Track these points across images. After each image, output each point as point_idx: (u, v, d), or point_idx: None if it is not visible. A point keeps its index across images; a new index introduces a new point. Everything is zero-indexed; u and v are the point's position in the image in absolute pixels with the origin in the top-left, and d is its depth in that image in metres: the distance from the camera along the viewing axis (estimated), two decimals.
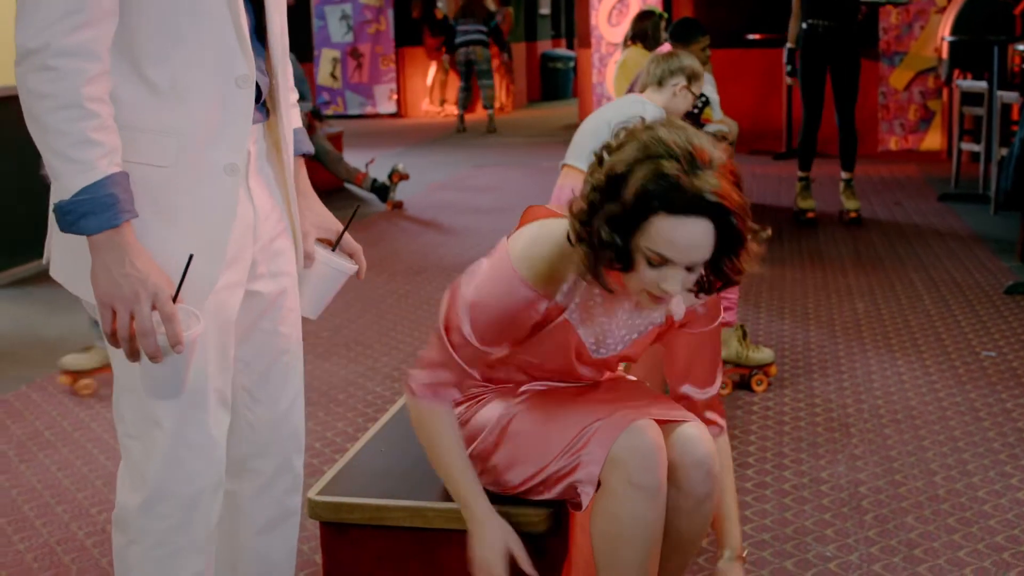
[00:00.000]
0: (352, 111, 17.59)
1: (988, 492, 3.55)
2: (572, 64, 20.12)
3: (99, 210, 1.80)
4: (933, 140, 11.45)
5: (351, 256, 2.33)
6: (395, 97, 17.71)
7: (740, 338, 4.51)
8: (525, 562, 2.24)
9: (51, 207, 1.86)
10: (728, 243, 2.08)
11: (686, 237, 2.03)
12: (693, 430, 2.31)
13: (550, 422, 2.31)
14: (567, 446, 2.25)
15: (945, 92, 10.99)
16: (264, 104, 2.12)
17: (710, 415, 2.46)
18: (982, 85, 8.71)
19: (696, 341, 2.43)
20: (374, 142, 13.77)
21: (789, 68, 8.09)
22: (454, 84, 16.72)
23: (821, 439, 4.03)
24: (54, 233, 1.98)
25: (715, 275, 2.17)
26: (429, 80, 17.76)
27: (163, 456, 2.01)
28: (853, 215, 7.99)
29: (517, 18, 19.62)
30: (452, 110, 17.26)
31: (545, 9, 22.06)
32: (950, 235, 7.52)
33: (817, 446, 3.97)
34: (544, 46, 21.56)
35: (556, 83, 20.70)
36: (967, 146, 9.17)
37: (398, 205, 9.33)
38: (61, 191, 1.81)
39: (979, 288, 6.08)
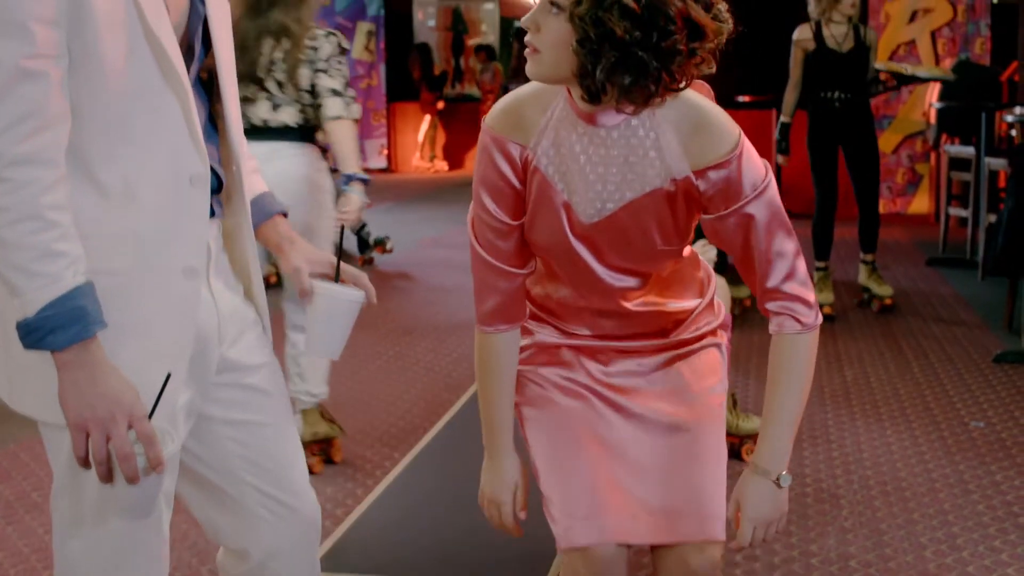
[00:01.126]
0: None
1: (978, 568, 3.55)
2: None
3: (68, 323, 1.72)
4: (921, 203, 11.52)
5: (355, 284, 2.20)
6: (385, 152, 17.76)
7: (730, 407, 4.52)
8: (520, 505, 2.37)
9: (13, 326, 1.76)
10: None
11: None
12: (688, 561, 2.26)
13: (553, 464, 2.31)
14: (550, 497, 2.28)
15: (933, 156, 11.08)
16: (221, 198, 2.06)
17: (781, 306, 2.18)
18: (970, 151, 8.78)
19: (725, 226, 2.16)
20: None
21: (782, 145, 7.28)
22: (443, 140, 16.84)
23: (811, 511, 4.03)
24: (6, 360, 1.89)
25: (584, 45, 1.96)
26: (421, 135, 17.84)
27: (110, 557, 1.95)
28: (888, 302, 7.26)
29: (508, 74, 19.73)
30: (442, 166, 17.34)
31: None
32: (938, 301, 7.56)
33: (807, 518, 3.97)
34: None
35: None
36: (955, 211, 9.23)
37: (368, 261, 9.34)
38: (24, 308, 1.72)
39: (967, 356, 6.10)
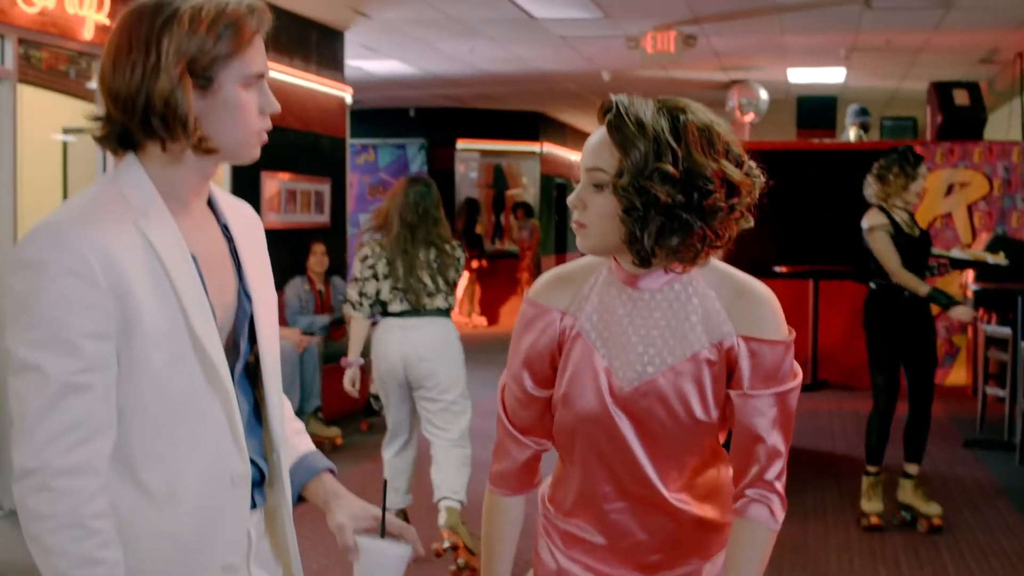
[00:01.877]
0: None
1: None
2: None
3: None
4: (958, 375, 11.47)
5: (399, 537, 2.16)
6: None
7: None
8: None
9: None
10: (637, 167, 2.08)
11: (588, 140, 2.18)
12: None
13: None
14: None
15: (970, 328, 11.06)
16: (264, 487, 2.10)
17: (761, 494, 2.21)
18: (1006, 331, 8.77)
19: (748, 407, 2.19)
20: None
21: (947, 300, 6.40)
22: (480, 295, 17.06)
23: None
24: None
25: (630, 214, 2.09)
26: (459, 292, 17.98)
27: None
28: (938, 522, 6.40)
29: (547, 231, 19.95)
30: (480, 321, 17.45)
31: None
32: (974, 487, 7.47)
33: None
34: (572, 257, 21.79)
35: None
36: (992, 390, 9.19)
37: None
38: None
39: (1003, 553, 6.02)
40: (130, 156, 1.94)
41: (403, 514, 5.95)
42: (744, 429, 2.20)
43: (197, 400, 1.90)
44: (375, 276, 5.68)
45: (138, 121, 1.87)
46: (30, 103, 7.09)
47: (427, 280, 5.68)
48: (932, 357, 6.55)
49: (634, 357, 2.21)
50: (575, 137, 22.28)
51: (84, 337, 1.78)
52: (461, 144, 18.36)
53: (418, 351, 5.69)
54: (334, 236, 10.74)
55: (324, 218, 10.69)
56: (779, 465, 2.21)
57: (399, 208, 5.70)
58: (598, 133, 2.16)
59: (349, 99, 11.20)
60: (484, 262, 17.41)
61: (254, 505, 2.04)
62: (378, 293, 5.70)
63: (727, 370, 2.20)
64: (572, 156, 21.92)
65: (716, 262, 2.23)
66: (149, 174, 1.93)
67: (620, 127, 2.11)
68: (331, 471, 2.26)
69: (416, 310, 5.69)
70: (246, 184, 9.15)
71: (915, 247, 6.38)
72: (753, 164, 2.18)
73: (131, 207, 1.89)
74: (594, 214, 2.14)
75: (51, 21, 6.72)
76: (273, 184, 9.61)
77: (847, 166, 11.57)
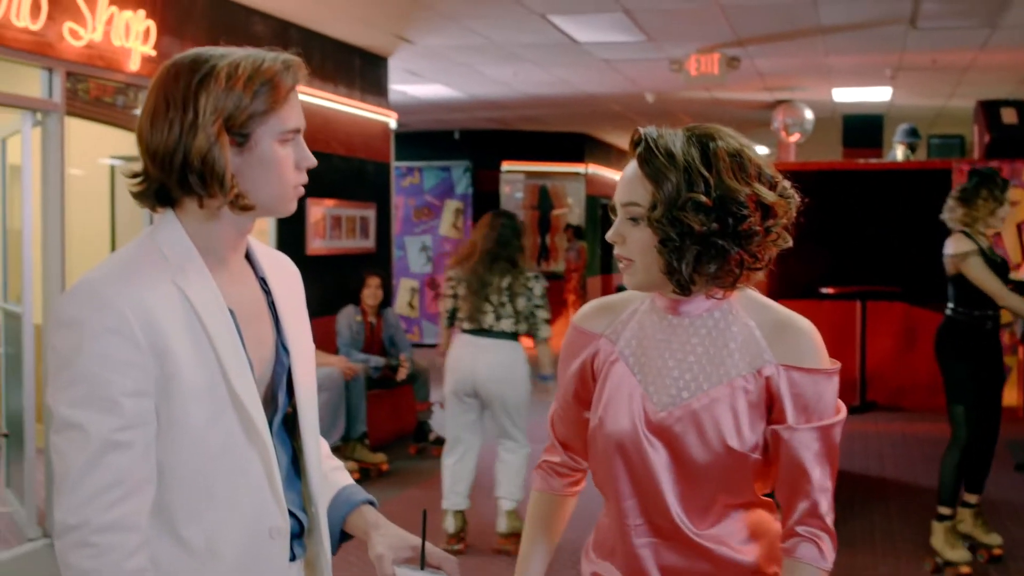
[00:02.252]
0: (428, 340, 17.79)
1: None
2: None
3: None
4: (1009, 396, 11.32)
5: (439, 568, 2.16)
6: None
7: None
8: None
9: None
10: (670, 199, 2.09)
11: (622, 174, 2.20)
12: None
13: None
14: None
15: (1021, 349, 10.94)
16: (303, 538, 2.11)
17: (811, 532, 2.17)
18: None
19: (794, 442, 2.15)
20: None
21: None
22: None
23: None
24: None
25: (666, 244, 2.12)
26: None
27: None
28: (998, 552, 6.29)
29: (592, 252, 19.94)
30: (526, 341, 17.42)
31: None
32: None
33: None
34: (619, 279, 21.80)
35: None
36: None
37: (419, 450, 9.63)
38: None
39: None
40: (168, 212, 1.97)
41: (461, 516, 6.69)
42: (789, 465, 2.17)
43: (236, 455, 1.92)
44: (454, 296, 6.59)
45: (175, 178, 1.89)
46: (78, 130, 7.18)
47: (496, 304, 6.42)
48: (1002, 382, 6.32)
49: (669, 381, 2.21)
50: (620, 158, 22.10)
51: (124, 395, 1.80)
52: (506, 166, 18.39)
53: (488, 371, 6.49)
54: (379, 261, 10.78)
55: (369, 243, 10.72)
56: (827, 501, 2.18)
57: (482, 238, 6.56)
58: (630, 167, 2.18)
59: (393, 124, 11.25)
60: None
61: (293, 557, 2.06)
62: (456, 311, 6.60)
63: (767, 401, 2.18)
64: (617, 176, 21.84)
65: (758, 295, 2.23)
66: (187, 230, 1.95)
67: (650, 160, 2.12)
68: (371, 503, 2.27)
69: (484, 330, 6.44)
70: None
71: (1000, 273, 6.06)
72: (787, 184, 2.18)
73: (169, 263, 1.91)
74: (635, 248, 2.15)
75: (98, 54, 6.79)
76: (318, 210, 9.66)
77: (894, 186, 11.55)
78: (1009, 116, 11.44)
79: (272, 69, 1.92)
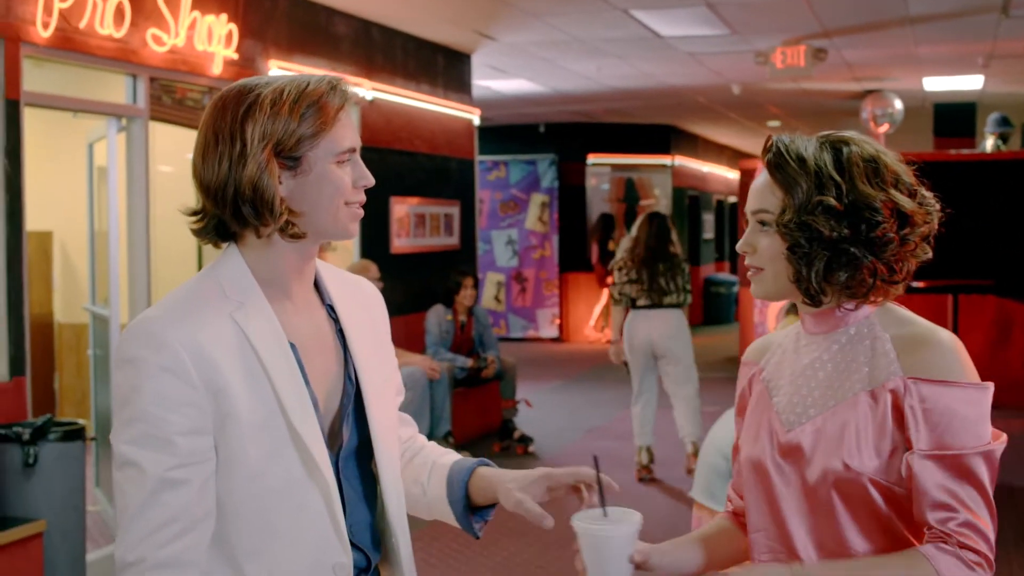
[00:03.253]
0: (515, 334, 17.83)
1: None
2: (735, 288, 20.14)
3: None
4: None
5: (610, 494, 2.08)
6: (557, 322, 17.92)
7: None
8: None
9: None
10: (800, 204, 2.04)
11: (753, 183, 2.15)
12: None
13: None
14: None
15: None
16: (370, 572, 2.08)
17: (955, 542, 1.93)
18: None
19: (922, 471, 1.93)
20: (535, 371, 13.89)
21: None
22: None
23: None
24: None
25: (795, 251, 2.04)
26: (597, 311, 17.95)
27: None
28: None
29: (681, 243, 19.81)
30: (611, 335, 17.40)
31: (708, 234, 22.26)
32: None
33: None
34: (707, 270, 21.68)
35: (719, 307, 20.72)
36: None
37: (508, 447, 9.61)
38: None
39: None
40: (230, 246, 1.97)
41: (648, 450, 8.65)
42: (919, 500, 1.96)
43: (296, 492, 1.91)
44: (629, 281, 8.45)
45: (230, 211, 1.89)
46: (168, 128, 7.27)
47: (663, 284, 8.44)
48: None
49: (798, 399, 2.12)
50: (707, 149, 22.08)
51: (179, 434, 1.81)
52: (592, 159, 18.33)
53: (660, 333, 8.49)
54: (464, 258, 10.80)
55: (454, 240, 10.75)
56: (976, 539, 1.93)
57: (644, 235, 8.49)
58: (762, 175, 2.13)
59: (477, 120, 11.26)
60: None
61: None
62: (630, 294, 8.44)
63: (895, 419, 1.99)
64: (704, 168, 21.73)
65: (902, 310, 2.11)
66: (248, 262, 1.95)
67: (781, 165, 2.07)
68: (484, 465, 2.22)
69: (657, 304, 8.45)
70: (375, 211, 9.26)
71: None
72: (928, 194, 2.10)
73: (228, 299, 1.91)
74: (765, 256, 2.10)
75: (181, 59, 6.87)
76: (402, 208, 9.70)
77: (987, 177, 11.31)
78: None
79: (318, 91, 1.91)
